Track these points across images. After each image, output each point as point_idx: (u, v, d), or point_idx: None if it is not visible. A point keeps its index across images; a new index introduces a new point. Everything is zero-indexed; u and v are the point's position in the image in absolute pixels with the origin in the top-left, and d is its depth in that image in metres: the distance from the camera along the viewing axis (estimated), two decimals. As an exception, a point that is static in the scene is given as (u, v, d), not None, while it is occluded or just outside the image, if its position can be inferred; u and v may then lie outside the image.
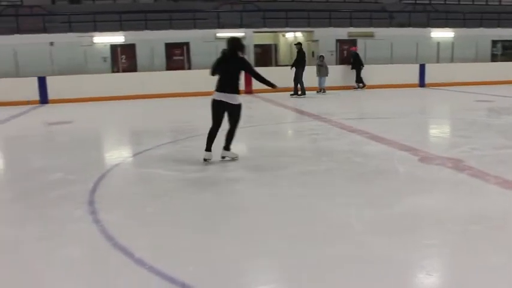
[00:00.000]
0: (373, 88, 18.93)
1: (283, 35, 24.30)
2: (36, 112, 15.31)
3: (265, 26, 20.71)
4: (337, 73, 19.30)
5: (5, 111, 15.25)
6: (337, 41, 21.13)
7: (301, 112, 12.91)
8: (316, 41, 21.12)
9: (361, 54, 19.47)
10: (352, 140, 8.52)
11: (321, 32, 20.92)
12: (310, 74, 17.46)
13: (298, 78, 16.77)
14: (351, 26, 21.18)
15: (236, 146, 8.76)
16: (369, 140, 8.37)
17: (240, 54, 6.85)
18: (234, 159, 6.98)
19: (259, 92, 18.24)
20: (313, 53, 20.92)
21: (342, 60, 20.40)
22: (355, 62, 19.15)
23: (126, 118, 13.52)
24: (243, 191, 5.67)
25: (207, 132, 6.86)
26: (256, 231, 4.32)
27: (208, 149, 6.82)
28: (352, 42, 20.95)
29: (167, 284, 3.34)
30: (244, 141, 9.20)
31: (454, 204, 4.97)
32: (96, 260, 3.82)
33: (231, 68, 6.76)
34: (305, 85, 16.70)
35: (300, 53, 16.92)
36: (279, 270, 3.61)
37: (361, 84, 19.06)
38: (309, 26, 21.01)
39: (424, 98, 17.25)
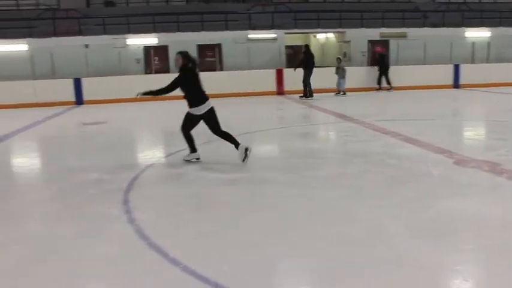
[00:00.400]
0: (405, 89, 18.70)
1: (315, 36, 24.22)
2: (71, 113, 15.66)
3: (296, 27, 20.68)
4: (369, 74, 19.17)
5: (42, 111, 15.66)
6: (369, 41, 20.94)
7: (333, 113, 12.83)
8: (348, 41, 20.98)
9: (393, 55, 19.28)
10: (386, 142, 8.43)
11: (352, 33, 20.77)
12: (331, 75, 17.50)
13: (305, 81, 16.78)
14: (383, 27, 20.95)
15: (268, 147, 8.81)
16: (403, 142, 8.26)
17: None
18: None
19: (291, 93, 18.26)
20: (344, 53, 20.78)
21: (373, 61, 20.20)
22: (381, 63, 18.97)
23: (160, 119, 13.70)
24: (275, 192, 5.67)
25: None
26: (289, 232, 4.32)
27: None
28: (385, 43, 20.73)
29: (200, 283, 3.37)
30: (275, 142, 9.23)
31: (491, 208, 4.86)
32: (131, 258, 3.88)
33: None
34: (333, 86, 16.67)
35: (307, 55, 16.88)
36: (310, 271, 3.60)
37: (388, 86, 18.84)
38: (340, 26, 20.88)
39: (458, 99, 16.92)
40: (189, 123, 7.03)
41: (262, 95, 18.27)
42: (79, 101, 17.88)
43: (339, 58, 18.26)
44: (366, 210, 4.89)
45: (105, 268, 3.74)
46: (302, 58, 16.87)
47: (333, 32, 22.09)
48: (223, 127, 7.20)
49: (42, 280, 3.58)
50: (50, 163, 8.24)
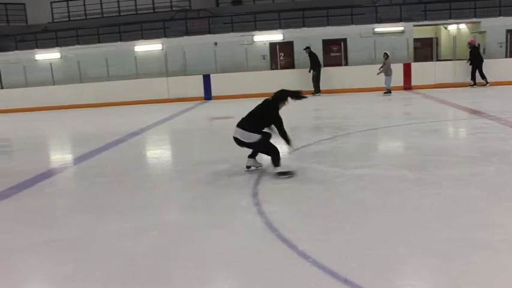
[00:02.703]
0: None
1: (445, 28, 22.93)
2: (201, 108, 16.46)
3: (425, 19, 19.75)
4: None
5: (174, 106, 16.65)
6: (508, 31, 19.29)
7: (466, 109, 12.09)
8: (483, 32, 19.56)
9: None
10: (527, 140, 7.77)
11: (488, 22, 19.31)
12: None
13: (316, 80, 17.60)
14: (525, 14, 19.22)
15: (393, 144, 8.54)
16: (547, 140, 7.57)
17: (280, 106, 6.59)
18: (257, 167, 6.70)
19: (419, 88, 17.53)
20: (478, 45, 19.43)
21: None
22: (473, 55, 17.37)
23: (285, 114, 13.85)
24: (405, 190, 5.47)
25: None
26: (419, 233, 4.14)
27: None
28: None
29: (330, 278, 3.37)
30: (402, 138, 8.92)
31: None
32: (261, 250, 3.98)
33: (259, 110, 6.54)
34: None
35: (312, 57, 17.71)
36: (444, 274, 3.41)
37: (485, 81, 17.24)
38: (475, 16, 19.55)
39: None
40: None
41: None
42: (208, 96, 18.73)
43: (385, 53, 17.05)
44: (504, 213, 4.54)
45: (235, 258, 3.87)
46: (310, 60, 17.78)
47: (466, 23, 20.75)
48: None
49: (175, 265, 3.80)
50: (182, 155, 8.72)
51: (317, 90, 17.60)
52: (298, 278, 3.43)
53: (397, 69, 18.09)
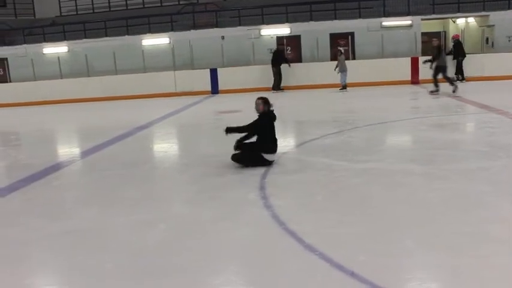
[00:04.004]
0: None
1: (454, 21, 22.77)
2: (208, 102, 16.47)
3: (434, 13, 19.58)
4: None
5: (181, 100, 16.67)
6: (517, 25, 19.13)
7: (473, 103, 12.02)
8: (492, 26, 19.40)
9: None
10: (535, 134, 7.73)
11: (497, 16, 19.09)
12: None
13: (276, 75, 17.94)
14: (535, 8, 19.02)
15: (401, 138, 8.52)
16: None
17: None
18: None
19: (427, 83, 17.45)
20: (487, 39, 19.29)
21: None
22: (456, 51, 17.30)
23: (292, 108, 13.88)
24: (413, 184, 5.48)
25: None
26: (427, 227, 4.15)
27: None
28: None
29: (337, 271, 3.39)
30: (410, 132, 8.90)
31: None
32: (269, 243, 4.01)
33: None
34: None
35: (275, 54, 18.08)
36: (452, 268, 3.42)
37: (460, 77, 17.18)
38: (483, 9, 19.38)
39: None
40: (250, 160, 6.57)
41: (395, 84, 17.67)
42: (215, 90, 18.73)
43: (339, 50, 17.21)
44: (513, 208, 4.54)
45: (243, 251, 3.90)
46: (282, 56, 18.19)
47: (474, 16, 20.57)
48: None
49: (183, 257, 3.83)
50: (189, 149, 8.75)
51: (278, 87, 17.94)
52: (305, 271, 3.44)
53: (405, 64, 18.01)
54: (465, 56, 17.45)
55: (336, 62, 16.95)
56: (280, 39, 19.72)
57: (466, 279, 3.24)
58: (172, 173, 6.96)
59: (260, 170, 6.24)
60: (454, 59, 17.50)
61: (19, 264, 3.90)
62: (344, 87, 16.81)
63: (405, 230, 4.12)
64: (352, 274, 3.31)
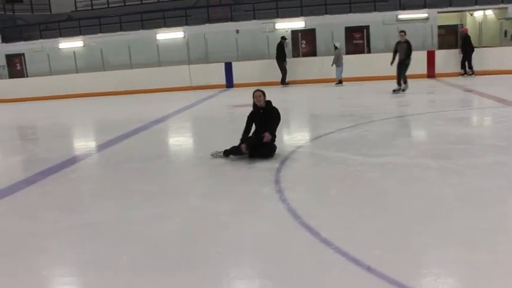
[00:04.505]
0: None
1: (471, 14, 22.47)
2: (222, 95, 16.49)
3: (450, 5, 19.34)
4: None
5: (196, 94, 16.72)
6: (536, 18, 18.84)
7: (492, 98, 11.86)
8: (510, 18, 19.10)
9: None
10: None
11: (516, 8, 18.85)
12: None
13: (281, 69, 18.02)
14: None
15: (416, 133, 8.45)
16: None
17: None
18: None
19: (443, 76, 17.29)
20: (505, 32, 18.99)
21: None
22: (464, 45, 17.06)
23: (308, 102, 13.85)
24: (429, 179, 5.42)
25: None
26: (447, 221, 4.11)
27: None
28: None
29: (353, 265, 3.37)
30: (426, 127, 8.83)
31: None
32: (285, 237, 4.00)
33: None
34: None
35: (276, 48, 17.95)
36: (468, 264, 3.37)
37: (470, 71, 17.00)
38: (502, 2, 19.08)
39: None
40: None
41: (411, 78, 17.47)
42: (230, 84, 18.74)
43: (334, 45, 17.17)
44: (530, 203, 4.48)
45: (258, 244, 3.90)
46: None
47: (493, 9, 20.28)
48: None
49: (199, 251, 3.82)
50: (204, 142, 8.75)
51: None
52: (321, 265, 3.44)
53: (421, 57, 17.83)
54: (473, 50, 17.22)
55: (332, 57, 17.07)
56: (282, 33, 19.63)
57: (482, 275, 3.20)
58: (188, 166, 6.98)
59: (275, 164, 6.23)
60: (461, 53, 17.34)
61: (37, 255, 3.95)
62: (340, 81, 16.91)
63: (421, 224, 4.08)
64: (369, 269, 3.29)
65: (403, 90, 13.34)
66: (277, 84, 17.87)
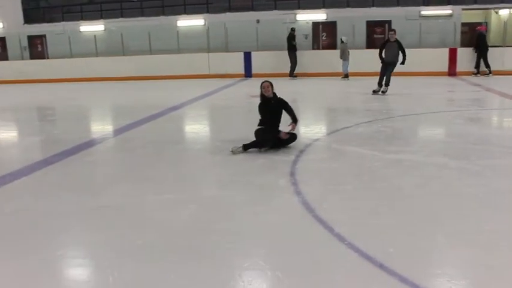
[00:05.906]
0: None
1: (496, 12, 22.08)
2: (241, 85, 16.47)
3: (475, 3, 19.05)
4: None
5: (215, 82, 16.72)
6: None
7: (510, 97, 11.72)
8: (537, 18, 18.78)
9: None
10: None
11: (543, 7, 18.47)
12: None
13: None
14: None
15: (435, 131, 8.36)
16: None
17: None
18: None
19: (465, 75, 17.08)
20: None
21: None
22: (479, 43, 16.84)
23: (325, 94, 13.77)
24: (446, 178, 5.36)
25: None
26: (464, 222, 4.06)
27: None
28: None
29: (365, 262, 3.35)
30: (445, 125, 8.73)
31: None
32: (298, 230, 3.99)
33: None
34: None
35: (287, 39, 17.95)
36: (484, 266, 3.33)
37: (487, 70, 16.81)
38: (529, 0, 18.73)
39: None
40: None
41: (432, 75, 17.32)
42: (248, 73, 18.71)
43: (341, 39, 17.23)
44: (550, 207, 4.41)
45: (272, 236, 3.89)
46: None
47: (519, 7, 19.92)
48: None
49: (212, 239, 3.84)
50: (221, 131, 8.77)
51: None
52: (334, 260, 3.43)
53: (443, 55, 17.62)
54: (487, 49, 17.03)
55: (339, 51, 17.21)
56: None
57: (498, 279, 3.16)
58: (204, 154, 6.99)
59: (291, 156, 6.22)
60: (476, 51, 17.17)
61: (53, 236, 3.99)
62: (346, 75, 16.92)
63: (436, 224, 4.05)
64: (381, 266, 3.28)
65: (384, 92, 12.63)
66: (297, 75, 17.86)
